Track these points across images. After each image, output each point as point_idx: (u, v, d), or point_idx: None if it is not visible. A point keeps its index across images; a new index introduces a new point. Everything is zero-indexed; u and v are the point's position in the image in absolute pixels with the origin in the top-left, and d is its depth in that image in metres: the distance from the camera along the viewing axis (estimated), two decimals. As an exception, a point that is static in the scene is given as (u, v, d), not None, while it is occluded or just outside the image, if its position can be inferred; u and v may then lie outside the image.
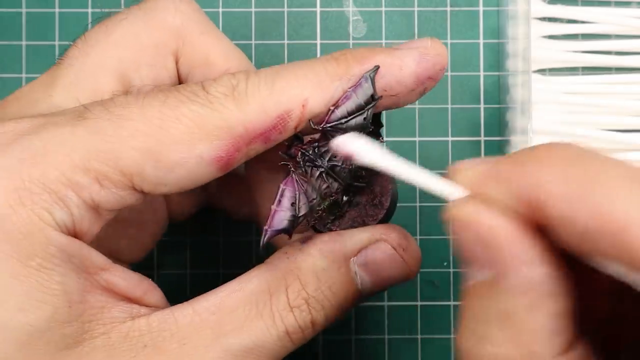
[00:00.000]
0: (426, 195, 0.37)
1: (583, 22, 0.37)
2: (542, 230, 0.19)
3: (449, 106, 0.37)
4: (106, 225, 0.26)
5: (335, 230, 0.26)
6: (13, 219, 0.21)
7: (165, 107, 0.23)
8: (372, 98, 0.24)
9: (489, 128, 0.37)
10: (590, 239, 0.18)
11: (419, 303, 0.36)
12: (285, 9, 0.38)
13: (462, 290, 0.20)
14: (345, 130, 0.24)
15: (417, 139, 0.37)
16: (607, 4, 0.37)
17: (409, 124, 0.37)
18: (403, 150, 0.37)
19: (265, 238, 0.24)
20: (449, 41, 0.37)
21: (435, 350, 0.36)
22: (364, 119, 0.24)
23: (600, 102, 0.36)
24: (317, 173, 0.25)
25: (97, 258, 0.23)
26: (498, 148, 0.37)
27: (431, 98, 0.37)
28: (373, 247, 0.25)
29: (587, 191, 0.18)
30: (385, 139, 0.37)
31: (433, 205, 0.37)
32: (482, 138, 0.37)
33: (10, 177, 0.22)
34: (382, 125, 0.26)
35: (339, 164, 0.25)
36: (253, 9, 0.38)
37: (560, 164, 0.18)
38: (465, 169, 0.20)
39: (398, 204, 0.36)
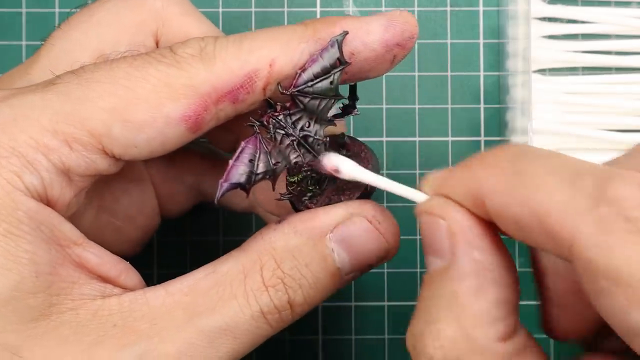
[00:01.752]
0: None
1: (583, 22, 0.37)
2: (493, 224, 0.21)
3: (449, 106, 0.37)
4: (89, 214, 0.26)
5: (312, 207, 0.25)
6: None
7: (133, 68, 0.23)
8: (339, 62, 0.24)
9: (489, 128, 0.37)
10: (523, 229, 0.19)
11: (419, 303, 0.36)
12: (285, 9, 0.38)
13: (422, 282, 0.22)
14: (312, 94, 0.24)
15: (417, 139, 0.37)
16: (607, 4, 0.37)
17: (409, 124, 0.37)
18: (403, 150, 0.37)
19: (220, 192, 0.24)
20: (449, 41, 0.37)
21: (435, 350, 0.36)
22: (330, 82, 0.24)
23: (600, 102, 0.36)
24: (288, 141, 0.25)
25: (69, 230, 0.23)
26: (498, 148, 0.37)
27: (431, 98, 0.37)
28: (348, 222, 0.25)
29: (516, 185, 0.20)
30: (384, 138, 0.37)
31: (433, 205, 0.37)
32: (482, 138, 0.37)
33: None
34: (357, 98, 0.26)
35: (312, 135, 0.25)
36: (253, 9, 0.38)
37: (498, 163, 0.20)
38: (431, 178, 0.23)
39: (399, 204, 0.37)
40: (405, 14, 0.24)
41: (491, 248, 0.21)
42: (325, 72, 0.24)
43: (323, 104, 0.25)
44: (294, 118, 0.25)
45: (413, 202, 0.23)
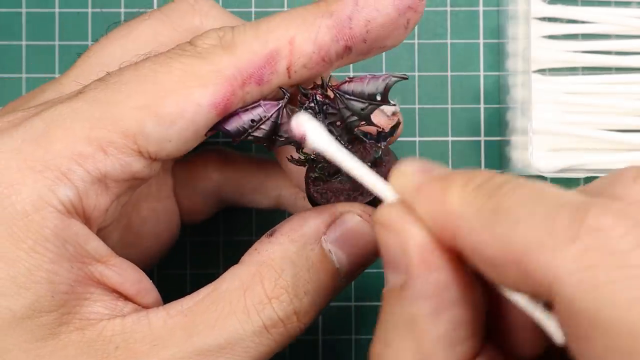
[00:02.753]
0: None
1: (583, 22, 0.37)
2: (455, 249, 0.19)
3: (449, 106, 0.37)
4: (115, 235, 0.26)
5: (320, 196, 0.26)
6: (13, 199, 0.21)
7: (157, 65, 0.23)
8: (378, 97, 0.24)
9: (489, 128, 0.37)
10: (498, 269, 0.18)
11: (419, 303, 0.36)
12: (286, 9, 0.38)
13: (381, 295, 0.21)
14: (345, 105, 0.25)
15: (417, 139, 0.37)
16: (607, 4, 0.37)
17: (409, 123, 0.37)
18: (403, 151, 0.37)
19: (213, 126, 0.24)
20: (449, 41, 0.37)
21: (436, 350, 0.36)
22: (362, 109, 0.25)
23: (600, 102, 0.36)
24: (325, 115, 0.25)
25: (96, 246, 0.23)
26: (498, 148, 0.37)
27: (431, 98, 0.37)
28: (340, 220, 0.25)
29: (492, 223, 0.18)
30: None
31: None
32: (482, 138, 0.37)
33: (14, 158, 0.22)
34: (389, 136, 0.26)
35: (336, 135, 0.25)
36: (253, 9, 0.38)
37: (475, 198, 0.18)
38: (405, 174, 0.21)
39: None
40: None
41: (451, 267, 0.19)
42: (362, 97, 0.24)
43: (352, 119, 0.25)
44: (329, 110, 0.25)
45: (374, 193, 0.21)
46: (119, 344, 0.22)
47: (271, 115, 0.24)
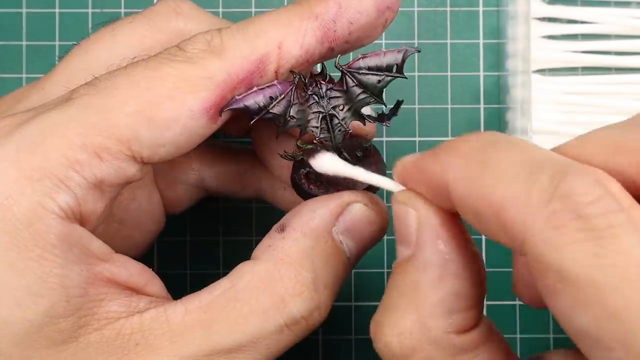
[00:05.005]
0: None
1: (583, 22, 0.37)
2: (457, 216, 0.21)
3: (449, 106, 0.37)
4: (101, 226, 0.26)
5: (313, 190, 0.26)
6: (14, 210, 0.21)
7: (149, 70, 0.23)
8: (395, 68, 0.25)
9: (489, 128, 0.37)
10: (481, 220, 0.19)
11: (419, 303, 0.36)
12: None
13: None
14: (359, 82, 0.25)
15: (417, 139, 0.37)
16: (607, 4, 0.37)
17: (409, 124, 0.37)
18: (403, 151, 0.37)
19: (230, 104, 0.24)
20: (448, 41, 0.37)
21: (435, 350, 0.36)
22: (378, 81, 0.25)
23: (600, 102, 0.36)
24: (315, 109, 0.25)
25: (99, 247, 0.23)
26: (498, 148, 0.37)
27: (431, 98, 0.37)
28: (347, 210, 0.25)
29: (477, 175, 0.20)
30: (384, 138, 0.37)
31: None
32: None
33: (10, 167, 0.22)
34: (396, 114, 0.27)
35: (339, 118, 0.26)
36: (253, 9, 0.38)
37: (465, 152, 0.20)
38: (401, 164, 0.23)
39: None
40: None
41: (456, 240, 0.21)
42: (379, 70, 0.25)
43: (363, 96, 0.26)
44: (332, 94, 0.25)
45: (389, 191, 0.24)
46: (139, 341, 0.23)
47: (287, 94, 0.25)
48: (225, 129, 0.31)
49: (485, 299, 0.36)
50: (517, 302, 0.36)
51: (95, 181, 0.23)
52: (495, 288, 0.36)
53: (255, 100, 0.24)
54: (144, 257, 0.32)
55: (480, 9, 0.38)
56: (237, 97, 0.24)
